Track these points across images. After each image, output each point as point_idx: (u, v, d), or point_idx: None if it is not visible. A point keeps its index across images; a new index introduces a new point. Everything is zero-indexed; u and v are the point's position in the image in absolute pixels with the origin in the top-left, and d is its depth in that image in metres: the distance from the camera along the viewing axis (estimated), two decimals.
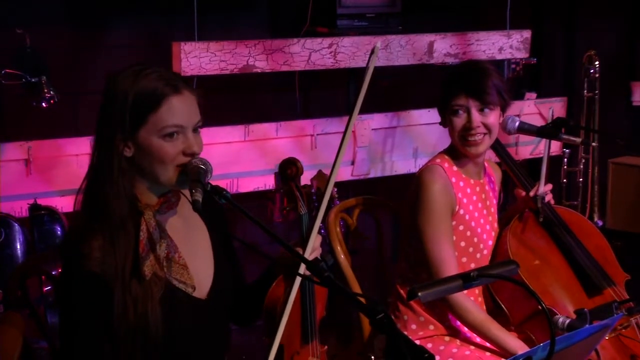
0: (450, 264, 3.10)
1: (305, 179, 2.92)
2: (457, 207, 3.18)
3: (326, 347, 3.02)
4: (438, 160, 3.22)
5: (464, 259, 3.22)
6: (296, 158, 2.88)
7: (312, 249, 2.56)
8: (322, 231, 3.88)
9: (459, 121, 3.15)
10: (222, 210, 2.60)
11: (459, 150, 3.21)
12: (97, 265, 2.31)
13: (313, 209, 4.10)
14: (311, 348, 2.88)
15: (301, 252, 2.51)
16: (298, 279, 2.55)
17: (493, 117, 3.15)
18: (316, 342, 2.89)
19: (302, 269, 2.44)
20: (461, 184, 3.21)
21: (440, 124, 3.28)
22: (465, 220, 3.20)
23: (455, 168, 3.22)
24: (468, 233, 3.21)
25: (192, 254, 2.47)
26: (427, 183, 3.15)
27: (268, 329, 2.69)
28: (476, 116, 3.13)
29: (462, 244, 3.21)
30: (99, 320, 2.33)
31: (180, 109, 2.37)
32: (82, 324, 2.34)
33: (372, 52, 2.64)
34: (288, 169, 2.84)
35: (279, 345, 2.67)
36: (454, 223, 3.18)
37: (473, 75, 3.16)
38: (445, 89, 3.19)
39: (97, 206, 2.35)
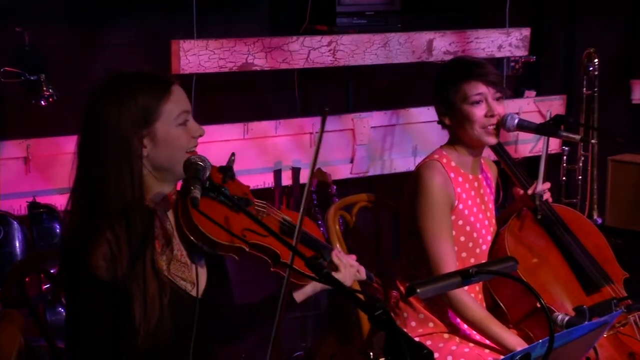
0: (449, 260, 3.10)
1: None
2: (456, 201, 3.18)
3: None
4: (436, 156, 3.22)
5: (464, 254, 3.22)
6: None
7: None
8: (322, 229, 3.88)
9: (480, 111, 3.15)
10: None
11: (470, 144, 3.20)
12: (105, 272, 2.29)
13: (312, 207, 4.11)
14: None
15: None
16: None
17: (504, 108, 3.18)
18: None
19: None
20: (460, 179, 3.21)
21: (439, 122, 3.27)
22: (465, 215, 3.20)
23: (453, 163, 3.22)
24: (467, 228, 3.21)
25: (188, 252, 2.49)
26: (426, 179, 3.14)
27: None
28: (494, 104, 3.15)
29: (462, 238, 3.21)
30: (114, 330, 2.32)
31: (182, 94, 2.45)
32: (99, 336, 2.33)
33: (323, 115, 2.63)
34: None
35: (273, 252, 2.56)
36: (453, 218, 3.18)
37: (484, 66, 3.19)
38: (456, 82, 3.17)
39: (116, 211, 2.33)
